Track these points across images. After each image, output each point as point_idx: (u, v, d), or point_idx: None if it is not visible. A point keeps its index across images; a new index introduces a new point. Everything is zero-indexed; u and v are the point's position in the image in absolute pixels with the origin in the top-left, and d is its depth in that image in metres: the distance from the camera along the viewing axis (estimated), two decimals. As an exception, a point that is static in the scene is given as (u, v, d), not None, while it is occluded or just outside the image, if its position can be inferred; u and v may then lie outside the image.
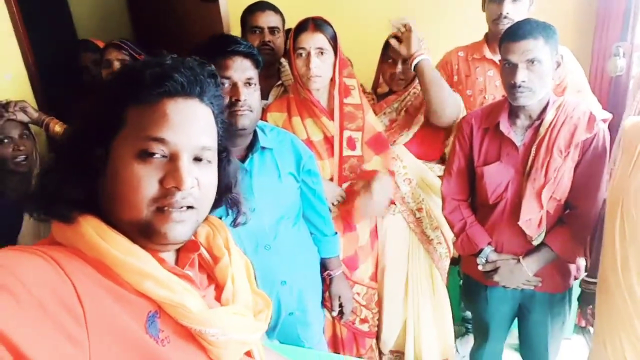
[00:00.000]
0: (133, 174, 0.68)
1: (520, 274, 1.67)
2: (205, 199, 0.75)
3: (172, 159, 0.70)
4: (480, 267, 1.73)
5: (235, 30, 2.51)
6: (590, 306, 1.62)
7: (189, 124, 0.73)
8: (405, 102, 1.99)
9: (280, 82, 2.16)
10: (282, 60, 2.23)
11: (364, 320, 2.03)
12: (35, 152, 1.91)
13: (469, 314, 2.54)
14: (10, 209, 1.73)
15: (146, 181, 0.69)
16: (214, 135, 0.78)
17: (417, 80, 1.89)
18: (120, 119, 0.71)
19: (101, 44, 2.44)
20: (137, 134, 0.70)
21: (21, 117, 1.87)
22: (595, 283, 1.54)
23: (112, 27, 3.29)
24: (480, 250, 1.73)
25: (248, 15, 2.20)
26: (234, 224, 0.95)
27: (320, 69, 1.74)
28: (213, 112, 0.78)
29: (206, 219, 0.85)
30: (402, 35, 1.87)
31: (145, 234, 0.70)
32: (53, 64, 2.52)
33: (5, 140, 1.83)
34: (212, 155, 0.77)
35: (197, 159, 0.74)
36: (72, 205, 0.69)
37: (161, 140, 0.69)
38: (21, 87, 2.28)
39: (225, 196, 0.86)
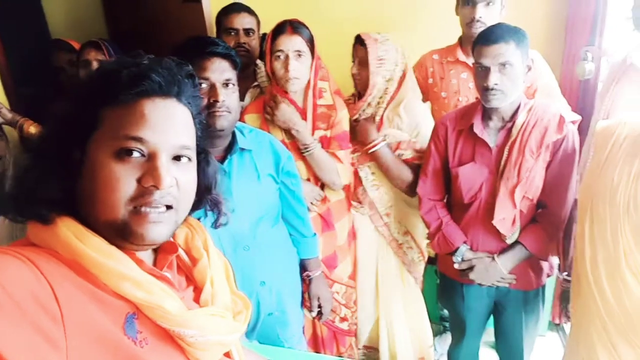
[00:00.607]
0: (111, 173, 0.68)
1: (495, 272, 1.70)
2: (184, 199, 0.75)
3: (151, 158, 0.70)
4: (456, 266, 1.77)
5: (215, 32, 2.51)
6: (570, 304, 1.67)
7: (167, 124, 0.72)
8: (375, 110, 1.99)
9: (256, 83, 2.17)
10: (258, 61, 2.24)
11: (343, 319, 2.06)
12: (8, 153, 1.87)
13: (446, 312, 2.58)
14: None
15: (124, 180, 0.68)
16: (193, 135, 0.78)
17: (376, 86, 1.92)
18: (96, 119, 0.71)
19: (76, 45, 2.40)
20: (114, 133, 0.69)
21: None
22: None
23: (86, 27, 3.22)
24: (456, 249, 1.76)
25: (223, 16, 2.20)
26: (215, 225, 0.95)
27: (298, 71, 1.75)
28: (191, 112, 0.78)
29: (185, 220, 0.85)
30: (359, 123, 1.93)
31: (122, 234, 0.69)
32: (25, 63, 2.47)
33: None
34: (191, 155, 0.77)
35: (176, 158, 0.73)
36: (49, 206, 0.68)
37: (139, 140, 0.69)
38: (-8, 86, 2.24)
39: (205, 197, 0.86)
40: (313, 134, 1.84)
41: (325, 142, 1.87)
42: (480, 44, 1.56)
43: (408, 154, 1.97)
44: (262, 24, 2.27)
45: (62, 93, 2.24)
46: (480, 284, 1.75)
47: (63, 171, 0.70)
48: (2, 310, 0.55)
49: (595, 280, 1.35)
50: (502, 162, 1.63)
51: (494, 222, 1.65)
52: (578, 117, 1.95)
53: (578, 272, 1.43)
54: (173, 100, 0.75)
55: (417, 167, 1.96)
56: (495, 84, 1.53)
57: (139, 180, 0.69)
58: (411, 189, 1.97)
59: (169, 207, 0.72)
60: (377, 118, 1.97)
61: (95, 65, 2.09)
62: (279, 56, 1.75)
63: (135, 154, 0.69)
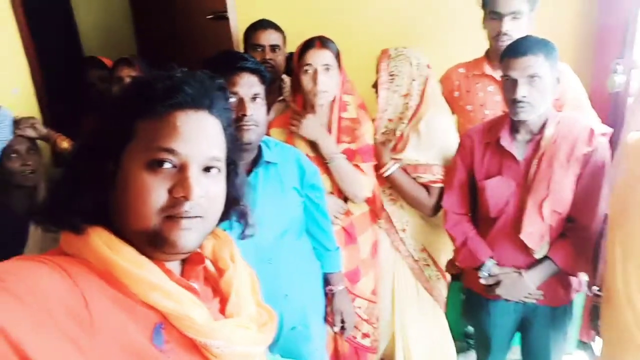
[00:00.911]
0: (143, 183, 0.69)
1: (522, 287, 1.67)
2: (213, 209, 0.76)
3: (182, 169, 0.71)
4: (482, 281, 1.74)
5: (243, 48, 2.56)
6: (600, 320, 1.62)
7: (199, 136, 0.74)
8: (396, 125, 1.98)
9: (282, 98, 2.19)
10: (284, 77, 2.27)
11: (365, 335, 2.03)
12: (41, 167, 1.94)
13: (470, 329, 2.53)
14: (16, 222, 1.75)
15: (155, 191, 0.69)
16: (223, 147, 0.79)
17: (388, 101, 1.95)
18: (130, 132, 0.72)
19: (107, 61, 2.48)
20: (147, 145, 0.71)
21: (30, 133, 1.90)
22: None
23: (117, 44, 3.33)
24: (483, 264, 1.73)
25: (250, 33, 2.26)
26: (242, 236, 0.95)
27: (326, 84, 1.77)
28: (222, 124, 0.79)
29: (212, 231, 0.86)
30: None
31: (154, 243, 0.70)
32: (59, 79, 2.56)
33: (13, 155, 1.85)
34: (221, 166, 0.77)
35: (206, 169, 0.74)
36: (82, 216, 0.69)
37: (171, 151, 0.70)
38: (28, 101, 2.32)
39: (233, 208, 0.87)
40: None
41: (349, 155, 1.87)
42: (509, 57, 1.55)
43: (425, 178, 1.95)
44: (288, 40, 2.30)
45: (92, 109, 2.30)
46: (507, 300, 1.71)
47: (96, 182, 0.71)
48: (34, 317, 0.56)
49: (628, 295, 1.31)
50: (530, 176, 1.61)
51: (522, 236, 1.62)
52: (609, 130, 1.90)
53: (609, 288, 1.40)
54: (205, 112, 0.76)
55: (438, 190, 1.94)
56: (524, 97, 1.52)
57: (169, 191, 0.70)
58: (429, 211, 1.96)
59: (198, 217, 0.72)
60: (398, 133, 1.96)
61: (127, 81, 2.15)
62: (307, 70, 1.77)
63: (167, 165, 0.70)
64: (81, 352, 0.59)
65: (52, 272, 0.62)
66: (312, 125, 1.81)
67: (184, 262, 0.83)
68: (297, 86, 1.86)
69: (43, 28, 2.49)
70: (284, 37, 2.30)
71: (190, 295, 0.73)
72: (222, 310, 0.82)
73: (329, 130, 1.85)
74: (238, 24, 2.67)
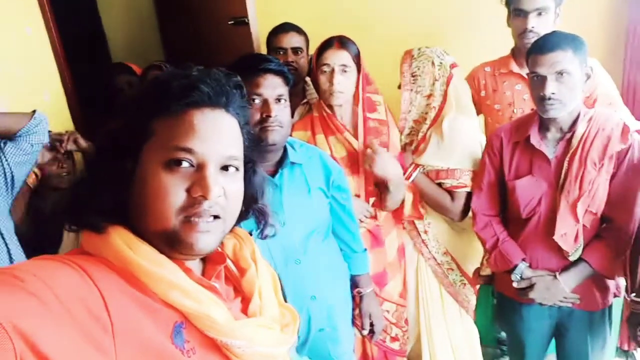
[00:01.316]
0: (161, 183, 0.69)
1: (557, 291, 1.61)
2: (231, 208, 0.75)
3: (199, 168, 0.71)
4: (515, 284, 1.69)
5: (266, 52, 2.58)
6: None
7: (216, 134, 0.73)
8: (420, 126, 1.96)
9: (305, 100, 2.19)
10: (307, 79, 2.27)
11: (394, 339, 2.00)
12: (74, 171, 1.99)
13: (503, 335, 2.47)
14: (51, 225, 1.79)
15: (174, 190, 0.69)
16: (240, 146, 0.78)
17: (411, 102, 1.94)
18: (148, 130, 0.72)
19: (135, 67, 2.53)
20: (164, 144, 0.70)
21: (71, 147, 1.95)
22: None
23: (144, 50, 3.41)
24: (515, 267, 1.69)
25: (272, 37, 2.28)
26: (262, 235, 0.94)
27: (342, 85, 1.76)
28: (239, 122, 0.79)
29: (233, 230, 0.86)
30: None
31: (172, 243, 0.70)
32: (89, 85, 2.62)
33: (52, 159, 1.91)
34: (239, 165, 0.77)
35: (224, 168, 0.74)
36: (101, 215, 0.70)
37: (189, 150, 0.70)
38: (59, 106, 2.38)
39: (252, 207, 0.86)
40: (365, 149, 1.81)
41: None
42: (535, 53, 1.51)
43: (448, 183, 1.92)
44: (312, 43, 2.30)
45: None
46: (541, 304, 1.66)
47: (116, 182, 0.71)
48: (54, 317, 0.55)
49: None
50: (562, 175, 1.56)
51: (555, 237, 1.57)
52: (644, 125, 1.84)
53: None
54: (222, 110, 0.75)
55: (462, 195, 1.91)
56: (553, 94, 1.48)
57: (187, 191, 0.70)
58: (456, 216, 1.94)
59: (216, 217, 0.72)
60: (420, 135, 1.94)
61: None
62: (324, 70, 1.77)
63: (185, 164, 0.70)
64: (102, 352, 0.58)
65: (72, 272, 0.62)
66: (388, 162, 1.77)
67: (204, 261, 0.82)
68: (315, 86, 1.87)
69: (72, 34, 2.56)
70: (307, 40, 2.31)
71: (210, 295, 0.72)
72: (245, 310, 0.81)
73: (355, 132, 1.84)
74: (259, 28, 2.69)
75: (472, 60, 2.27)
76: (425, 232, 2.02)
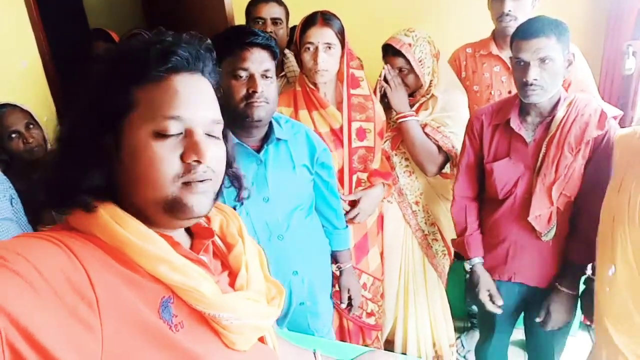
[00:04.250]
0: (153, 153, 0.68)
1: (570, 307, 1.66)
2: (219, 172, 0.76)
3: (188, 134, 0.71)
4: (489, 308, 1.79)
5: (239, 21, 2.55)
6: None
7: (199, 99, 0.73)
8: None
9: (283, 73, 2.17)
10: (286, 51, 2.24)
11: (370, 314, 2.06)
12: (45, 141, 1.93)
13: (474, 308, 2.55)
14: (37, 208, 1.76)
15: (167, 159, 0.69)
16: (219, 110, 0.78)
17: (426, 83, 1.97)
18: (128, 100, 0.70)
19: (114, 34, 2.46)
20: (151, 114, 0.69)
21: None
22: None
23: (123, 16, 3.31)
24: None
25: (252, 6, 2.23)
26: (238, 198, 0.96)
27: (327, 63, 1.74)
28: (212, 86, 0.78)
29: (219, 207, 0.87)
30: (392, 89, 1.94)
31: (171, 209, 0.70)
32: (66, 52, 2.55)
33: (13, 135, 1.86)
34: (220, 130, 0.77)
35: (208, 135, 0.74)
36: (89, 193, 0.69)
37: (176, 118, 0.69)
38: (36, 74, 2.32)
39: (227, 171, 0.85)
40: (350, 125, 1.84)
41: (360, 134, 1.87)
42: (519, 38, 1.52)
43: (437, 137, 1.98)
44: (291, 14, 2.27)
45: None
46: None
47: (98, 158, 0.69)
48: (39, 295, 0.55)
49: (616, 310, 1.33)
50: (540, 158, 1.60)
51: (530, 218, 1.62)
52: (620, 112, 1.89)
53: (598, 290, 1.40)
54: (199, 74, 0.75)
55: (447, 151, 1.98)
56: (535, 80, 1.49)
57: (181, 157, 0.70)
58: (435, 168, 1.99)
59: (210, 180, 0.73)
60: (417, 105, 1.99)
61: None
62: (308, 48, 1.75)
63: (174, 132, 0.70)
64: (88, 328, 0.58)
65: (55, 249, 0.61)
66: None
67: (192, 236, 0.83)
68: (298, 62, 1.85)
69: (49, 2, 2.47)
70: (287, 11, 2.27)
71: (198, 269, 0.72)
72: (232, 284, 0.82)
73: (339, 107, 1.85)
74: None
75: (454, 41, 2.29)
76: (416, 202, 2.06)
